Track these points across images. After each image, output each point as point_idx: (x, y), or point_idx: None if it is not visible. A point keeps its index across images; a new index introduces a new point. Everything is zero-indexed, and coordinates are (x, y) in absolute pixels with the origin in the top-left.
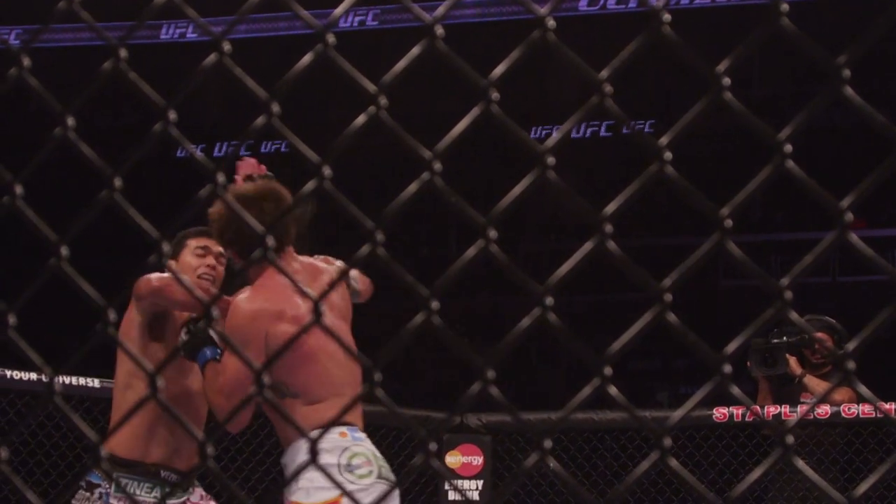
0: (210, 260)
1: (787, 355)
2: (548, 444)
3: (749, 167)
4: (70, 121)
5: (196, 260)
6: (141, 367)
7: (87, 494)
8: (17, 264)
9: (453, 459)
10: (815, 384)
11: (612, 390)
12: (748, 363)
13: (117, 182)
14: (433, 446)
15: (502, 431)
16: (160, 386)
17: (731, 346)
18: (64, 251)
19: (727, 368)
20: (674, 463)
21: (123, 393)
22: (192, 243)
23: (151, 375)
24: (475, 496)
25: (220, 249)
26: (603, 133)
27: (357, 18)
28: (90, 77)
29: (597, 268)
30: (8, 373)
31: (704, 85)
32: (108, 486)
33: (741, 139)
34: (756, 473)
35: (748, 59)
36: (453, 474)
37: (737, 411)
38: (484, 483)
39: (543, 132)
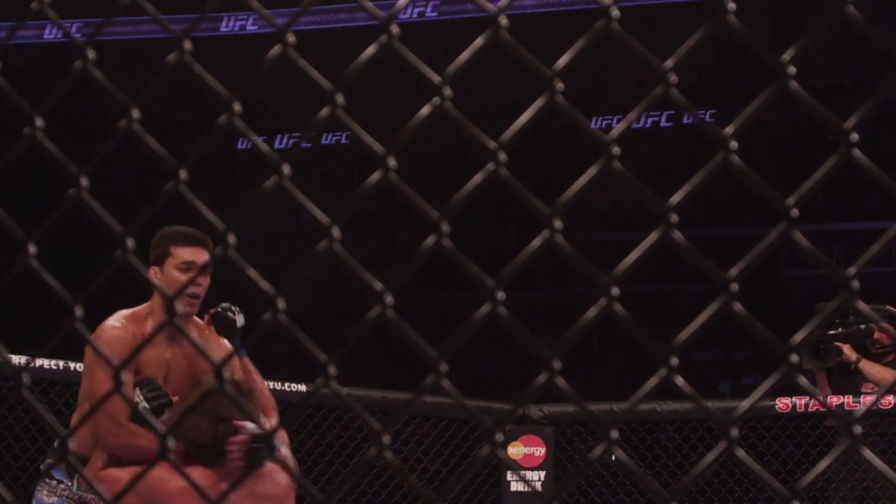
0: (195, 285)
1: (839, 344)
2: (614, 434)
3: (800, 156)
4: (135, 113)
5: (182, 275)
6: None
7: (53, 483)
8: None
9: (515, 451)
10: (871, 370)
11: (679, 380)
12: (799, 356)
13: (183, 174)
14: (500, 437)
15: (564, 422)
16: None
17: (798, 336)
18: (130, 243)
19: (794, 358)
20: (741, 453)
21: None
22: (178, 253)
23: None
24: (537, 488)
25: (207, 258)
26: (664, 123)
27: (416, 10)
28: (150, 70)
29: (655, 258)
30: (72, 365)
31: (763, 73)
32: (69, 482)
33: (793, 128)
34: (823, 464)
35: (812, 48)
36: (516, 465)
37: (799, 401)
38: (546, 474)
39: (604, 123)
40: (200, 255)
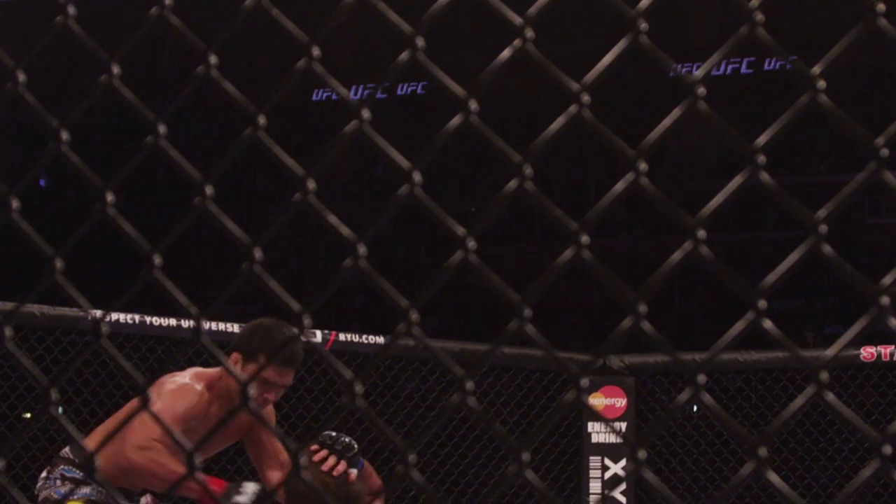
0: (272, 395)
1: None
2: (702, 378)
3: (886, 103)
4: (213, 59)
5: (258, 387)
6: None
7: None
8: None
9: (596, 402)
10: None
11: (768, 323)
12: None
13: (262, 120)
14: (585, 382)
15: (646, 372)
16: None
17: (889, 278)
18: (209, 190)
19: (885, 300)
20: (830, 397)
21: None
22: (268, 369)
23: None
24: (619, 439)
25: (290, 382)
26: (744, 70)
27: None
28: (224, 19)
29: (736, 206)
30: (147, 319)
31: (845, 18)
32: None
33: (878, 74)
34: None
35: None
36: (598, 416)
37: (885, 350)
38: (627, 425)
39: (683, 70)
40: (287, 378)
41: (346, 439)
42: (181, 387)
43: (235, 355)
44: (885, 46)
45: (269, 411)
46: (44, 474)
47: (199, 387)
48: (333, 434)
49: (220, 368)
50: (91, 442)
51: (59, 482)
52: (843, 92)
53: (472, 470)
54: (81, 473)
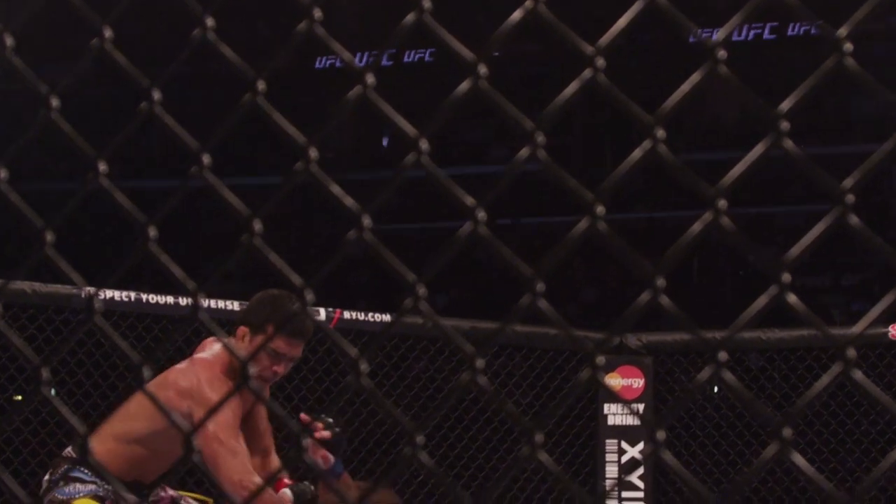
0: (280, 367)
1: None
2: (723, 356)
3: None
4: (210, 21)
5: (267, 360)
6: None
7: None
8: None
9: (613, 382)
10: None
11: (792, 298)
12: None
13: (261, 86)
14: (601, 360)
15: (664, 351)
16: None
17: None
18: (206, 159)
19: None
20: (858, 375)
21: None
22: (276, 339)
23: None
24: (636, 421)
25: (300, 354)
26: (767, 36)
27: None
28: None
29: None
30: (144, 296)
31: None
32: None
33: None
34: None
35: None
36: (614, 397)
37: None
38: (645, 407)
39: (703, 35)
40: (295, 351)
41: (337, 428)
42: (211, 379)
43: (242, 329)
44: None
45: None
46: (47, 477)
47: (220, 378)
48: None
49: (221, 355)
50: (100, 441)
51: (62, 483)
52: (866, 57)
53: (483, 454)
54: (86, 471)
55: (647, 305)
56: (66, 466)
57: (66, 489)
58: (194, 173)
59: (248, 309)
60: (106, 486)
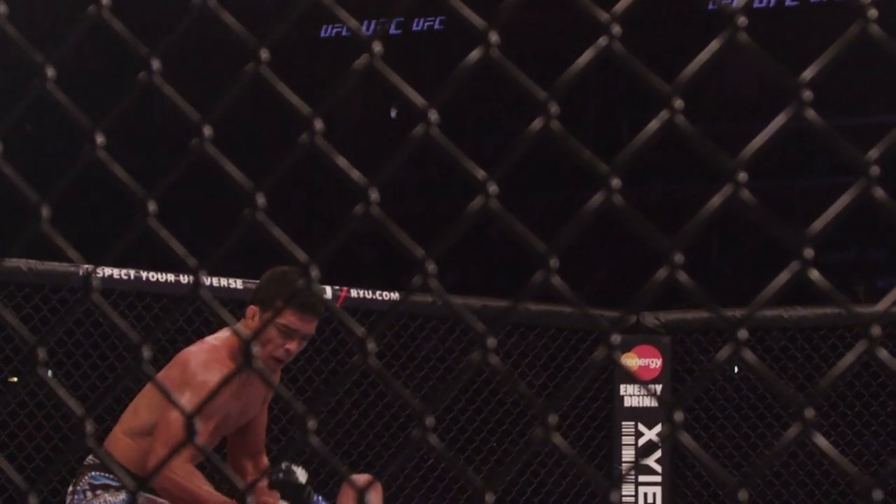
0: (293, 345)
1: None
2: (743, 334)
3: None
4: None
5: (279, 337)
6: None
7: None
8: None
9: (630, 362)
10: None
11: (814, 274)
12: None
13: (264, 55)
14: (616, 339)
15: (682, 330)
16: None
17: None
18: (207, 131)
19: None
20: (884, 354)
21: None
22: (287, 314)
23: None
24: (654, 402)
25: (312, 331)
26: (789, 3)
27: None
28: None
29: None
30: (144, 274)
31: None
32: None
33: None
34: None
35: None
36: (631, 377)
37: None
38: (663, 388)
39: (723, 2)
40: (308, 327)
41: (299, 477)
42: (210, 367)
43: (252, 308)
44: None
45: (277, 378)
46: (70, 489)
47: (223, 362)
48: (284, 469)
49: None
50: (113, 442)
51: (88, 493)
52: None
53: (495, 436)
54: (112, 477)
55: (665, 282)
56: (90, 475)
57: (95, 501)
58: (195, 146)
59: (258, 287)
60: (134, 486)
